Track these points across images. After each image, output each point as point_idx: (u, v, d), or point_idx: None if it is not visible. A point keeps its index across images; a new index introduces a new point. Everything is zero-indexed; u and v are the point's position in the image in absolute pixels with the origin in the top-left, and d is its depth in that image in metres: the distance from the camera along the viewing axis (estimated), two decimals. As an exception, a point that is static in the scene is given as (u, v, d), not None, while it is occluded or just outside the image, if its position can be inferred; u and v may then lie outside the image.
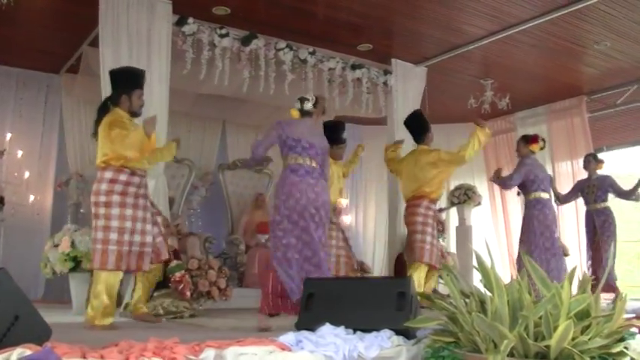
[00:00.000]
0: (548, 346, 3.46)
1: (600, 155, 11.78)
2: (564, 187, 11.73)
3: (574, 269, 4.02)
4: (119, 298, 8.36)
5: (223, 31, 8.62)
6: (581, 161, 12.05)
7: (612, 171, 10.20)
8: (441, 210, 11.94)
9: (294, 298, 6.71)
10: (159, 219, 6.81)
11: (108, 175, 6.08)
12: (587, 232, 10.92)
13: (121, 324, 6.60)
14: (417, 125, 9.16)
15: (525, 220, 9.65)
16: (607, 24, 9.06)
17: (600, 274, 9.50)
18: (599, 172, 10.85)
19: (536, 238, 9.35)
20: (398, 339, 4.42)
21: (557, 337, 3.42)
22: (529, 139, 9.78)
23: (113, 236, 6.03)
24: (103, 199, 6.05)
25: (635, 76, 11.25)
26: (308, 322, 4.67)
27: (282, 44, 9.12)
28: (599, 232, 10.60)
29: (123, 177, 6.11)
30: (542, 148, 9.84)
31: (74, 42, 9.26)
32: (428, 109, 10.48)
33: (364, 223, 13.89)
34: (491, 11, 8.68)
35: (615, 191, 10.75)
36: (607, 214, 10.66)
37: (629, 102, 12.14)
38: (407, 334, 4.50)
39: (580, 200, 11.47)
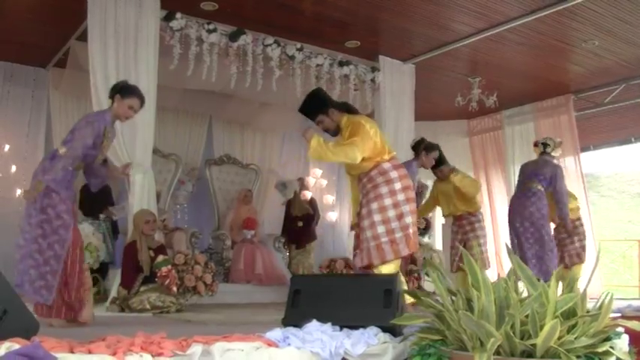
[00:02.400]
0: (534, 345, 3.47)
1: (587, 154, 11.84)
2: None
3: (561, 268, 4.03)
4: (105, 292, 8.37)
5: (211, 27, 8.62)
6: (568, 160, 12.09)
7: (599, 170, 10.18)
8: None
9: None
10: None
11: None
12: None
13: (108, 319, 6.63)
14: None
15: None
16: (595, 23, 9.04)
17: None
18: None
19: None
20: (384, 336, 4.40)
21: (544, 335, 3.43)
22: None
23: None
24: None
25: (622, 75, 11.25)
26: (295, 318, 4.65)
27: (269, 40, 9.11)
28: None
29: None
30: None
31: (62, 36, 9.20)
32: (415, 106, 10.48)
33: (349, 219, 13.82)
34: (479, 9, 8.66)
35: None
36: None
37: (617, 101, 12.14)
38: (393, 331, 4.49)
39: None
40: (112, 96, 5.89)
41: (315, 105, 6.35)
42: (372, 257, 6.08)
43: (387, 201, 6.12)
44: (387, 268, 6.06)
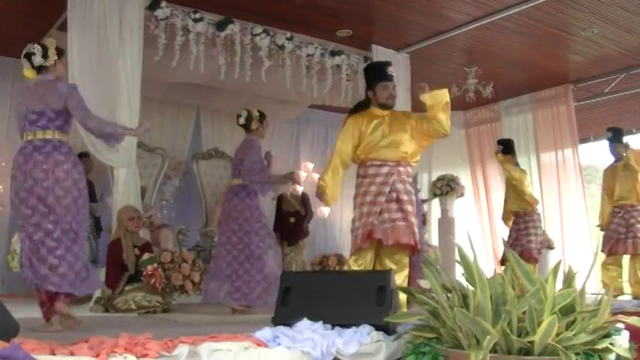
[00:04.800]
0: (531, 342, 3.51)
1: (586, 145, 11.77)
2: (548, 178, 11.66)
3: (558, 263, 3.99)
4: None
5: (197, 16, 8.47)
6: (566, 152, 12.03)
7: (599, 162, 10.07)
8: (423, 201, 11.83)
9: None
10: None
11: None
12: None
13: (91, 319, 6.52)
14: None
15: None
16: (594, 10, 8.97)
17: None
18: None
19: None
20: (378, 334, 4.46)
21: (541, 332, 3.46)
22: None
23: None
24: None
25: (622, 64, 11.19)
26: (285, 317, 4.68)
27: (258, 29, 8.96)
28: None
29: None
30: None
31: (42, 26, 9.00)
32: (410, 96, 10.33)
33: (341, 214, 13.72)
34: (475, -5, 8.61)
35: None
36: None
37: (617, 91, 12.08)
38: (387, 329, 4.55)
39: (564, 190, 11.45)
40: (51, 58, 5.52)
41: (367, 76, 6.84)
42: None
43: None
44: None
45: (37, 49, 5.46)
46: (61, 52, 5.62)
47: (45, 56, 5.46)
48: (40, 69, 5.49)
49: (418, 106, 10.21)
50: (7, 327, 3.75)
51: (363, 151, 6.27)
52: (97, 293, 7.67)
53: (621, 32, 9.77)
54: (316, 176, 13.07)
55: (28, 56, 5.49)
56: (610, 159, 10.03)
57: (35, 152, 5.29)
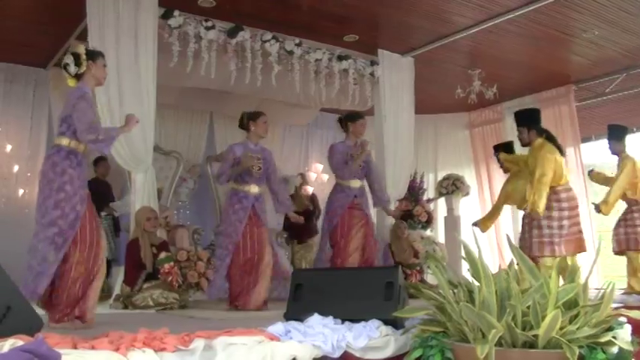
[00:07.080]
0: (536, 336, 3.50)
1: (588, 145, 11.79)
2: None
3: (563, 259, 4.04)
4: (108, 290, 8.40)
5: (209, 24, 8.60)
6: (568, 151, 12.06)
7: (601, 160, 10.08)
8: (429, 200, 11.96)
9: None
10: None
11: None
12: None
13: (111, 316, 6.66)
14: None
15: None
16: (595, 12, 9.01)
17: None
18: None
19: None
20: (386, 329, 4.46)
21: (545, 326, 3.45)
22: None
23: None
24: None
25: (623, 64, 11.21)
26: (296, 312, 4.72)
27: (268, 36, 9.09)
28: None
29: None
30: None
31: (61, 36, 9.14)
32: (415, 99, 10.52)
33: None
34: (478, 0, 8.64)
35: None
36: None
37: (618, 91, 12.11)
38: (395, 323, 4.54)
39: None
40: (83, 65, 5.45)
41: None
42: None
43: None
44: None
45: (69, 58, 5.46)
46: (92, 55, 5.55)
47: (78, 64, 5.44)
48: (78, 77, 5.49)
49: (422, 109, 10.42)
50: (31, 323, 3.83)
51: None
52: (117, 290, 7.86)
53: (621, 33, 9.79)
54: (326, 177, 13.17)
55: (65, 67, 5.51)
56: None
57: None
